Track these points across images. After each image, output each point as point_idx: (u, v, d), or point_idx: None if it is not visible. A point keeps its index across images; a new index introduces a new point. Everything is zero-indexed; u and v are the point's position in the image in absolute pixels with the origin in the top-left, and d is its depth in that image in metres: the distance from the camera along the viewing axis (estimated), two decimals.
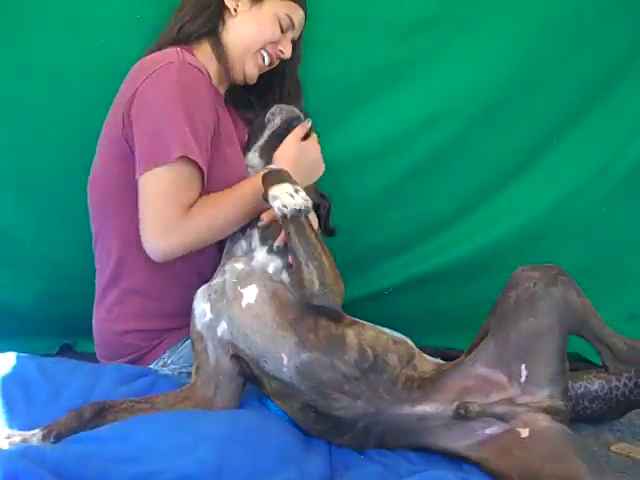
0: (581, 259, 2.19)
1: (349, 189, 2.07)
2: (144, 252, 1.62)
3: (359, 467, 1.50)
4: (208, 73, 1.74)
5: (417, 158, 2.08)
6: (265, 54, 1.82)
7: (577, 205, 2.16)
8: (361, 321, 1.61)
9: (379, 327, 1.64)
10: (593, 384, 1.74)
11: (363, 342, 1.54)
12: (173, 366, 1.77)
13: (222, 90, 1.87)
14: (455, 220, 2.16)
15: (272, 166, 1.62)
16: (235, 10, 1.79)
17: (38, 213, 2.01)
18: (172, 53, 1.66)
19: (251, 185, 1.64)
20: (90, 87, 1.88)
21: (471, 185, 2.13)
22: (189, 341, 1.66)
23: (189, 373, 1.66)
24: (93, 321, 1.81)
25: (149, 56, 1.69)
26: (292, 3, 1.82)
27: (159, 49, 1.72)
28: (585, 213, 2.17)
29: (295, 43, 1.88)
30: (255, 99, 1.95)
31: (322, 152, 1.90)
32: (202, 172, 1.61)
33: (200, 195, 1.63)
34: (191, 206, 1.60)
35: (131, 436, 1.36)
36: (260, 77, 1.88)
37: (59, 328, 2.11)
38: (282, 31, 1.81)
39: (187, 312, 1.63)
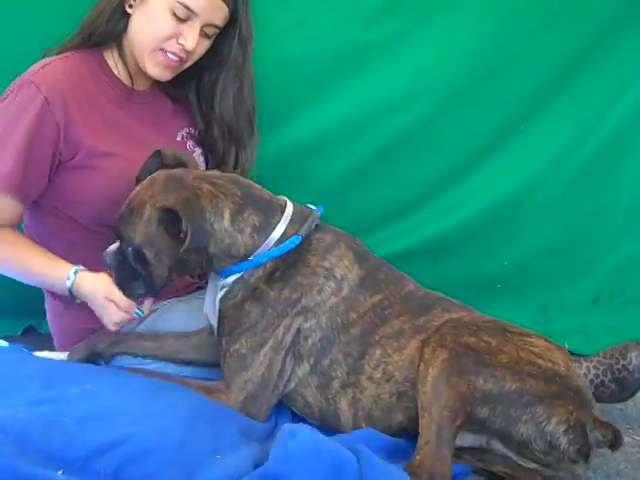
0: (547, 242, 2.23)
1: (316, 171, 2.08)
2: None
3: None
4: (111, 75, 1.68)
5: (384, 141, 2.09)
6: (167, 52, 1.63)
7: (543, 188, 2.18)
8: (357, 375, 1.54)
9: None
10: None
11: (359, 415, 1.53)
12: None
13: (143, 86, 1.75)
14: (422, 202, 2.17)
15: None
16: (131, 7, 1.63)
17: None
18: (31, 72, 1.58)
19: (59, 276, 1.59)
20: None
21: (438, 168, 2.14)
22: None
23: None
24: (47, 314, 1.81)
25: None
26: None
27: (60, 52, 1.66)
28: (551, 196, 2.18)
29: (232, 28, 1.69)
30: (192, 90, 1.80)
31: (289, 135, 1.93)
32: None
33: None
34: None
35: (100, 397, 1.37)
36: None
37: (22, 309, 2.08)
38: (182, 21, 1.60)
39: None
